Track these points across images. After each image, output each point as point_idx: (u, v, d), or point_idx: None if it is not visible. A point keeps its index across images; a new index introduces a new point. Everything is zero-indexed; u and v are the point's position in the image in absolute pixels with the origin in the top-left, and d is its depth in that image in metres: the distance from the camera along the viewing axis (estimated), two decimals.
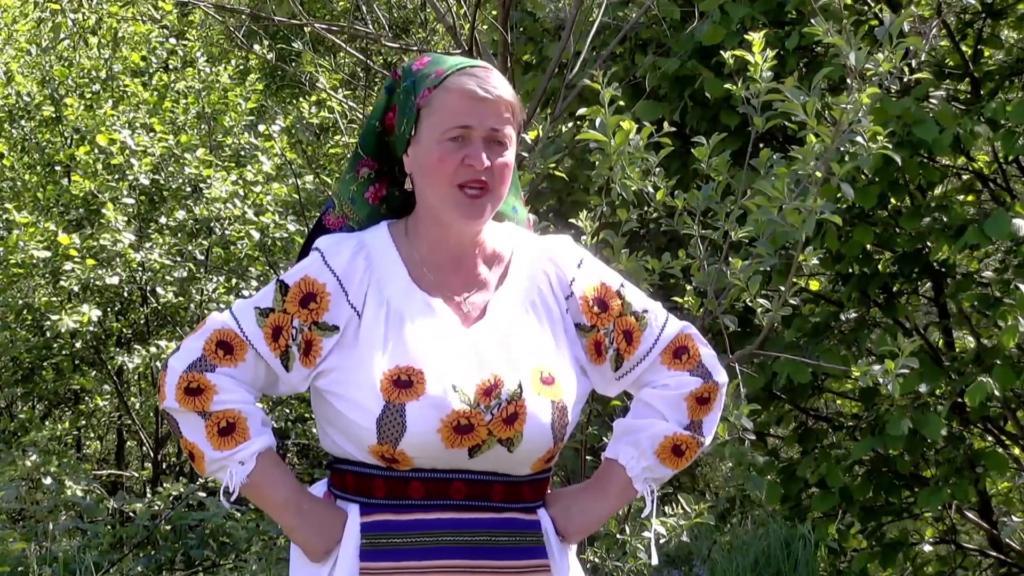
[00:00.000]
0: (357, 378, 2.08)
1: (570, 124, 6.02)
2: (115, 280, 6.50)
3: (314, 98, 8.32)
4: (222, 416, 2.10)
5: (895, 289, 5.69)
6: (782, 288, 3.94)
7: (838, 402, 6.76)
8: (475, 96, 2.09)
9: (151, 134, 7.06)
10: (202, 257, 7.15)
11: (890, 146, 3.70)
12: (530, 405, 2.08)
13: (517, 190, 2.30)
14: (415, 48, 6.94)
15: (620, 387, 2.25)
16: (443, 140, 2.10)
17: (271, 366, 2.13)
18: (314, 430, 7.55)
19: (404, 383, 2.05)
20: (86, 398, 7.95)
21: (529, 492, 2.16)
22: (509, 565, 2.11)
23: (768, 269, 3.99)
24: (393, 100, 2.19)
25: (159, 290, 6.79)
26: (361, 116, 7.53)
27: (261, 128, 7.88)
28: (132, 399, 7.51)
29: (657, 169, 3.90)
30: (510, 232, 2.25)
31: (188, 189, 7.12)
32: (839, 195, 3.91)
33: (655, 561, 2.31)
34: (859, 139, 3.61)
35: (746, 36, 3.75)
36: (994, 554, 6.05)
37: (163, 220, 6.95)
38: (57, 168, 7.38)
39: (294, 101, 9.83)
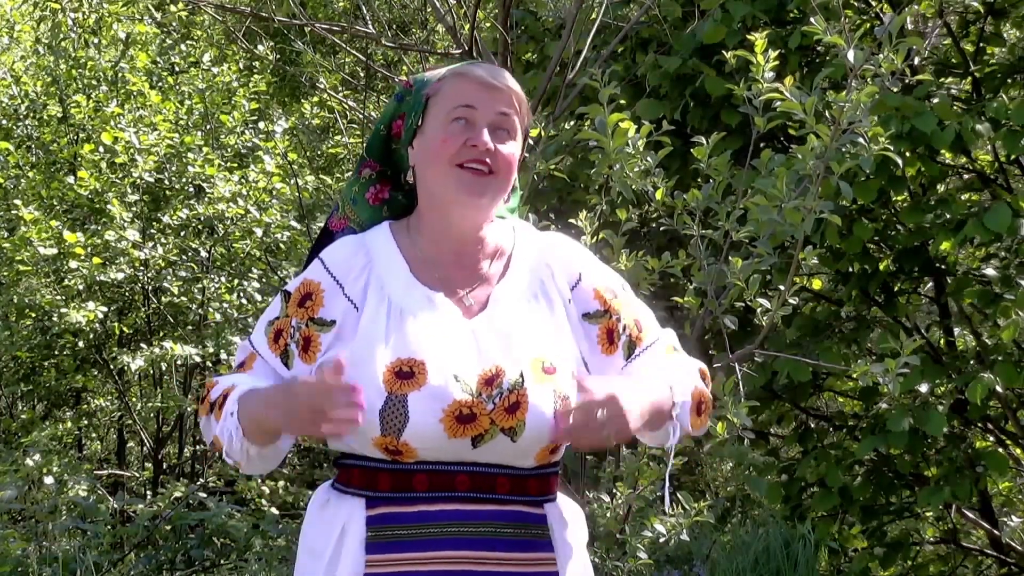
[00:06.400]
0: (359, 372, 2.07)
1: (571, 123, 6.02)
2: (120, 275, 6.50)
3: (316, 99, 8.31)
4: (220, 400, 2.13)
5: (896, 289, 5.68)
6: (782, 287, 3.94)
7: (839, 400, 6.76)
8: (484, 81, 2.12)
9: (155, 132, 7.06)
10: (205, 254, 7.14)
11: (890, 147, 3.69)
12: (532, 394, 2.08)
13: (517, 193, 2.30)
14: (415, 48, 6.95)
15: None
16: (448, 121, 2.11)
17: (275, 368, 2.14)
18: None
19: (406, 374, 2.05)
20: (87, 398, 7.94)
21: (535, 486, 2.16)
22: (514, 557, 2.10)
23: (768, 268, 3.99)
24: (402, 107, 2.20)
25: (164, 286, 6.79)
26: (361, 116, 7.53)
27: (262, 125, 7.87)
28: (133, 399, 7.51)
29: (656, 168, 3.90)
30: (511, 226, 2.26)
31: (192, 189, 7.12)
32: (839, 193, 3.91)
33: (668, 507, 2.31)
34: (859, 140, 3.61)
35: (748, 36, 3.75)
36: (994, 554, 6.05)
37: (166, 219, 6.95)
38: (58, 165, 7.38)
39: (296, 101, 9.83)
